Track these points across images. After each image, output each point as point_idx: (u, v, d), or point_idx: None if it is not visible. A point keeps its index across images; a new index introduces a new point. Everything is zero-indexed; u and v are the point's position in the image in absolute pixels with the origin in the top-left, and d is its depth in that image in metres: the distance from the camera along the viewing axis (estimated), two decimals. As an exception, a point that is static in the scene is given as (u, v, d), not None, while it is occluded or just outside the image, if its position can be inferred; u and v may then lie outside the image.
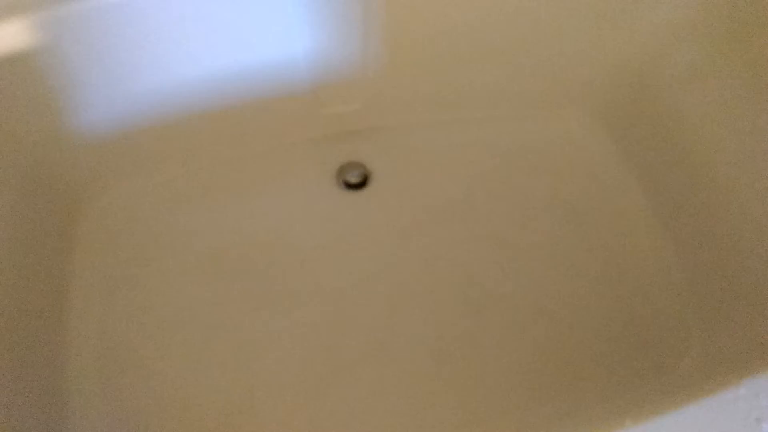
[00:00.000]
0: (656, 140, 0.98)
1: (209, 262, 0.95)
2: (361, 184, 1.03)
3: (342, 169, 1.04)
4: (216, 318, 0.90)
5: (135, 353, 0.87)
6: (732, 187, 0.84)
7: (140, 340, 0.88)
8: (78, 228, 0.95)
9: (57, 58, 0.80)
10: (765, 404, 0.52)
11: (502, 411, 0.83)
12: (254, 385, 0.85)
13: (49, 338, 0.82)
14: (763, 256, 0.77)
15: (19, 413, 0.69)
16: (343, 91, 1.00)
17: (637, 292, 0.93)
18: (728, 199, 0.85)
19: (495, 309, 0.92)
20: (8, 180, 0.79)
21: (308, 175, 1.04)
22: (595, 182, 1.05)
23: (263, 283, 0.93)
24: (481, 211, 1.01)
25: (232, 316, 0.90)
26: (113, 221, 0.98)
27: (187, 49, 0.86)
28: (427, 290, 0.93)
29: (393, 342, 0.89)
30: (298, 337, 0.89)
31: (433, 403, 0.84)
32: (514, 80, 1.06)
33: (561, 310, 0.92)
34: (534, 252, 0.97)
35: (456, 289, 0.93)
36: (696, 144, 0.90)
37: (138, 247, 0.96)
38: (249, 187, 1.03)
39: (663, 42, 0.95)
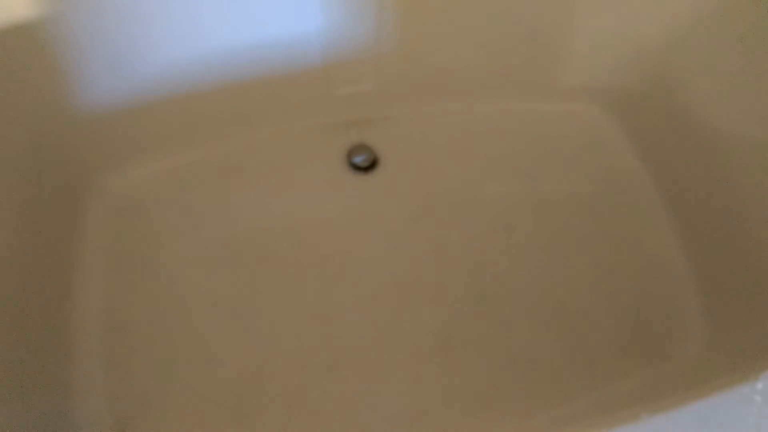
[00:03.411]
0: (669, 131, 0.97)
1: (217, 243, 0.94)
2: (370, 168, 1.02)
3: (351, 152, 1.03)
4: (223, 300, 0.89)
5: (142, 335, 0.86)
6: (747, 181, 0.83)
7: (147, 322, 0.87)
8: (85, 207, 0.94)
9: (63, 31, 0.78)
10: (782, 399, 0.52)
11: (509, 398, 0.83)
12: (262, 367, 0.84)
13: (55, 319, 0.81)
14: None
15: (26, 394, 0.68)
16: (354, 71, 0.98)
17: (645, 282, 0.93)
18: (743, 192, 0.84)
19: (503, 296, 0.91)
20: (14, 157, 0.78)
21: (317, 157, 1.03)
22: (606, 172, 1.04)
23: (271, 265, 0.92)
24: (490, 199, 1.00)
25: (239, 298, 0.90)
26: (121, 201, 0.96)
27: (197, 26, 0.84)
28: (435, 276, 0.93)
29: (400, 327, 0.88)
30: (305, 319, 0.88)
31: (440, 389, 0.84)
32: (527, 68, 1.05)
33: (569, 298, 0.91)
34: (543, 240, 0.96)
35: (464, 275, 0.93)
36: (711, 135, 0.89)
37: (146, 228, 0.95)
38: (257, 169, 1.02)
39: (680, 32, 0.94)
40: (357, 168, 1.02)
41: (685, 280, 0.92)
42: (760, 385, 0.53)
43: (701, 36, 0.90)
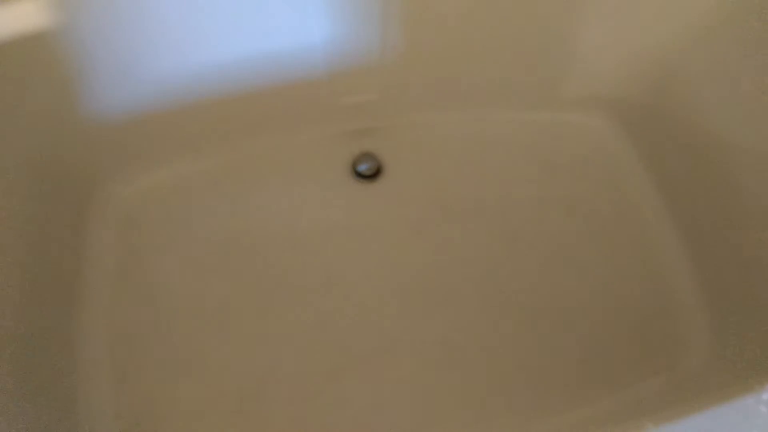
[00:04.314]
0: (674, 141, 0.97)
1: (221, 251, 0.94)
2: (374, 176, 1.02)
3: (355, 161, 1.03)
4: (227, 308, 0.89)
5: (146, 343, 0.86)
6: (752, 191, 0.83)
7: (152, 330, 0.87)
8: (90, 214, 0.94)
9: (72, 40, 0.79)
10: (788, 410, 0.52)
11: (513, 406, 0.83)
12: (267, 375, 0.84)
13: (60, 325, 0.81)
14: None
15: (31, 403, 0.68)
16: (359, 80, 0.99)
17: (650, 291, 0.93)
18: (748, 203, 0.84)
19: (507, 304, 0.91)
20: (21, 163, 0.78)
21: (322, 165, 1.03)
22: (611, 182, 1.04)
23: (274, 273, 0.93)
24: (494, 208, 1.00)
25: (242, 306, 0.90)
26: (125, 209, 0.97)
27: (203, 35, 0.85)
28: (439, 283, 0.93)
29: (405, 335, 0.88)
30: (309, 327, 0.88)
31: (445, 396, 0.83)
32: (532, 77, 1.05)
33: (573, 307, 0.91)
34: (547, 249, 0.96)
35: (468, 283, 0.93)
36: (716, 145, 0.89)
37: (150, 236, 0.95)
38: (263, 177, 1.02)
39: (685, 43, 0.94)
40: (361, 176, 1.02)
41: (690, 290, 0.92)
42: (765, 396, 0.53)
43: (706, 47, 0.90)
